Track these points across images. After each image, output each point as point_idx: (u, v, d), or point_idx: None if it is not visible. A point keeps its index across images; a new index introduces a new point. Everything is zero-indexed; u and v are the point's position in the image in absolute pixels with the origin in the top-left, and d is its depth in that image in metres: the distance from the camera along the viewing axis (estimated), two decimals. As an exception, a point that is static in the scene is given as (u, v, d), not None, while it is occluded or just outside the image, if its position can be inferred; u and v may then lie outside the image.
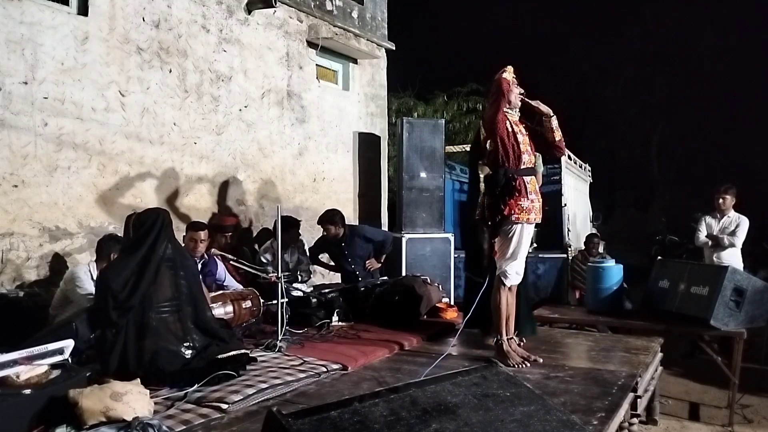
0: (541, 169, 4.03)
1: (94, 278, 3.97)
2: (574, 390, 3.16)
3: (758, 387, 5.25)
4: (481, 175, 4.04)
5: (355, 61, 7.99)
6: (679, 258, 8.99)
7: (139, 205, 5.18)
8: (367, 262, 6.06)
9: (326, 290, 5.14)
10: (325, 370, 3.46)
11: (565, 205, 7.86)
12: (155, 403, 2.78)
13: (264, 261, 5.41)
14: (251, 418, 2.73)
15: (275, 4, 6.37)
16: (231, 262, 4.89)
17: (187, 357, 3.26)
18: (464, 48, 18.99)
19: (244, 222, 6.39)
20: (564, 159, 7.79)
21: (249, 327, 4.46)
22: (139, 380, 2.80)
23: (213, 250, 4.96)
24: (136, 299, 3.21)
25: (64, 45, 4.78)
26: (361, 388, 3.15)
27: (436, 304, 5.08)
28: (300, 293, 5.02)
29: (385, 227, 7.98)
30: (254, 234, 6.49)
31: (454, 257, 6.89)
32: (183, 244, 4.43)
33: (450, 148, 8.33)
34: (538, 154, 3.91)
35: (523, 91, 3.75)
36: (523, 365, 3.62)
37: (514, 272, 3.70)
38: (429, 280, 5.24)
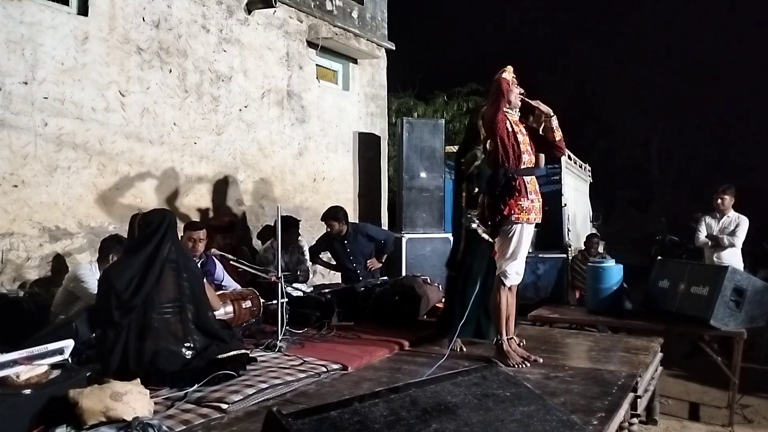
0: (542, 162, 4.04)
1: (98, 277, 3.97)
2: (574, 390, 3.16)
3: (758, 387, 5.24)
4: (477, 161, 4.04)
5: (355, 61, 7.99)
6: (679, 258, 8.99)
7: (139, 205, 5.18)
8: (368, 261, 6.06)
9: (326, 290, 5.14)
10: (325, 370, 3.46)
11: (565, 205, 7.87)
12: (155, 403, 2.77)
13: (264, 261, 5.41)
14: (251, 418, 2.73)
15: (275, 4, 6.37)
16: (231, 262, 4.88)
17: (187, 357, 3.26)
18: (464, 48, 18.99)
19: (243, 222, 6.39)
20: (564, 159, 7.80)
21: (249, 327, 4.46)
22: (139, 380, 2.80)
23: (213, 250, 4.96)
24: (139, 299, 3.20)
25: (64, 45, 4.78)
26: (361, 388, 3.14)
27: (436, 304, 5.08)
28: (300, 293, 5.02)
29: (385, 227, 7.98)
30: (254, 234, 6.49)
31: (455, 257, 6.88)
32: (182, 244, 4.42)
33: (450, 148, 8.29)
34: (541, 155, 3.91)
35: (523, 90, 3.75)
36: (523, 365, 3.62)
37: (514, 272, 3.70)
38: (429, 280, 5.25)
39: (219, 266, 4.91)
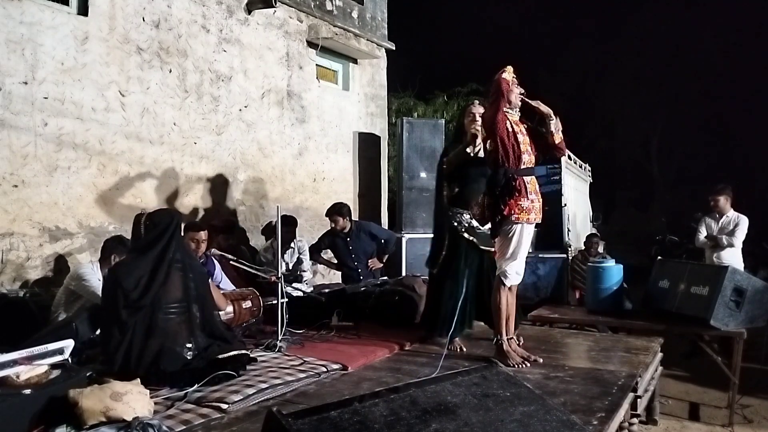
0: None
1: (99, 277, 3.97)
2: (574, 390, 3.16)
3: (758, 387, 5.24)
4: (470, 150, 4.03)
5: (355, 61, 7.99)
6: (679, 258, 9.00)
7: (139, 205, 5.18)
8: (369, 261, 6.06)
9: (326, 290, 5.14)
10: (325, 370, 3.46)
11: (565, 205, 7.87)
12: (155, 403, 2.77)
13: (264, 261, 5.41)
14: (251, 418, 2.73)
15: (275, 4, 6.37)
16: (231, 262, 4.88)
17: (188, 358, 3.26)
18: (464, 48, 18.98)
19: (243, 222, 6.39)
20: (564, 159, 7.79)
21: (249, 327, 4.45)
22: (139, 380, 2.80)
23: (213, 250, 4.96)
24: (148, 299, 3.20)
25: (64, 45, 4.78)
26: (361, 388, 3.14)
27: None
28: (300, 293, 5.02)
29: (385, 227, 7.98)
30: (254, 234, 6.49)
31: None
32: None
33: (450, 148, 8.33)
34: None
35: (523, 91, 3.75)
36: (523, 365, 3.62)
37: (514, 272, 3.70)
38: (429, 280, 5.24)
39: (218, 267, 4.91)
